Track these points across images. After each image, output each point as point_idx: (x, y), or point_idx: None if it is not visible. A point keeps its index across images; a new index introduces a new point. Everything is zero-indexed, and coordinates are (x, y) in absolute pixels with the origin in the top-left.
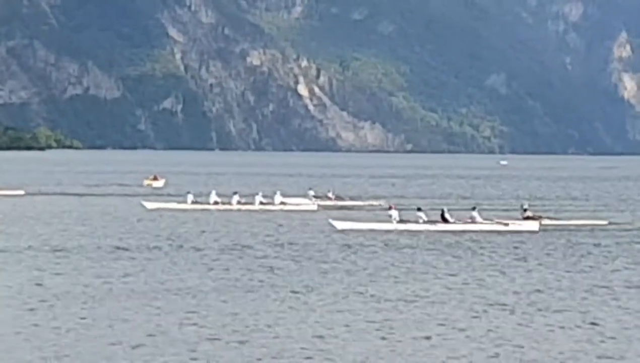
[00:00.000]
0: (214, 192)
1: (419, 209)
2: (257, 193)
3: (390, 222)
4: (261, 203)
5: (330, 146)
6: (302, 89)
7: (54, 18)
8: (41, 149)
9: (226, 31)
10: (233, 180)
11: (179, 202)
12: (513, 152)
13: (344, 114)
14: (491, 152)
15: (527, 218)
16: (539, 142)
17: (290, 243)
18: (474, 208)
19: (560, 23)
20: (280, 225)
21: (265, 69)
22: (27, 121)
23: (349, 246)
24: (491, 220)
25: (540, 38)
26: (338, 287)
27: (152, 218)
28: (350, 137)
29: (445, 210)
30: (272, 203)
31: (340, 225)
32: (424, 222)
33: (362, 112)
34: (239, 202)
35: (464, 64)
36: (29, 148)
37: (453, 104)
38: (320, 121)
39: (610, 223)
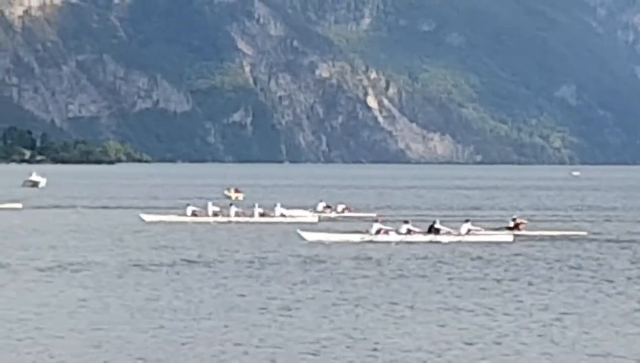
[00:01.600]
0: (210, 204)
1: (405, 222)
2: (253, 205)
3: (362, 234)
4: (260, 214)
5: (400, 158)
6: (371, 101)
7: (124, 32)
8: (111, 162)
9: (295, 43)
10: (305, 192)
11: (178, 215)
12: (583, 162)
13: (414, 125)
14: (561, 163)
15: (515, 226)
16: (609, 153)
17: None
18: (467, 221)
19: (630, 33)
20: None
21: (334, 81)
22: (97, 135)
23: (312, 258)
24: (479, 230)
25: (609, 48)
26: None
27: (235, 231)
28: (420, 149)
29: (437, 221)
30: (272, 215)
31: (310, 236)
32: (400, 234)
33: (431, 123)
34: (237, 214)
35: (533, 75)
36: (98, 162)
37: (523, 115)
38: (390, 133)
39: None
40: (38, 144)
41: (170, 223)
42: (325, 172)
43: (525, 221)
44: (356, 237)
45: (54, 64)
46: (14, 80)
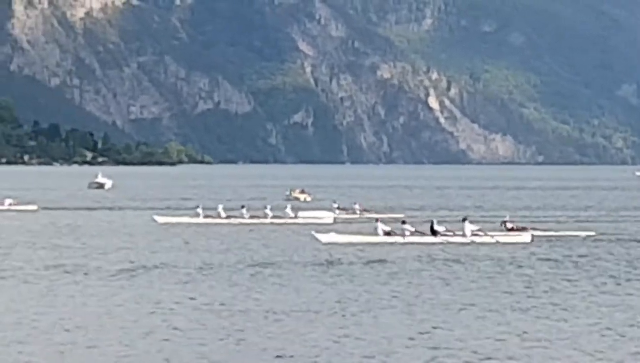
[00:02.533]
0: (220, 206)
1: (403, 222)
2: (265, 206)
3: (376, 234)
4: (274, 216)
5: (461, 158)
6: (433, 102)
7: (185, 33)
8: (172, 164)
9: (356, 44)
10: (369, 193)
11: (191, 216)
12: None
13: (475, 126)
14: (623, 163)
15: (511, 229)
16: None
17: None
18: (464, 220)
19: None
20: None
21: (395, 81)
22: (159, 136)
23: (330, 261)
24: (482, 232)
25: None
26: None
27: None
28: (481, 149)
29: (435, 222)
30: (284, 216)
31: (324, 238)
32: (411, 235)
33: (492, 124)
34: (251, 216)
35: (595, 74)
36: (160, 163)
37: (585, 115)
38: (451, 133)
39: None
40: (100, 145)
41: (188, 224)
42: (386, 173)
43: (514, 224)
44: (374, 239)
45: (116, 65)
46: (76, 81)
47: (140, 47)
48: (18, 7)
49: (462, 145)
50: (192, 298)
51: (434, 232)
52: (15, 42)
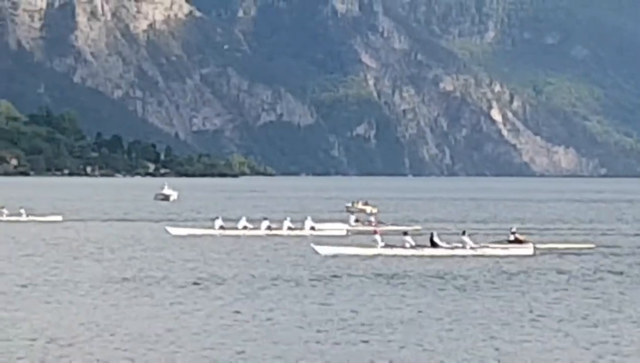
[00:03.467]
0: (243, 218)
1: (405, 234)
2: (285, 219)
3: (375, 247)
4: (289, 228)
5: (524, 171)
6: (496, 114)
7: (247, 45)
8: (234, 175)
9: (419, 57)
10: (431, 206)
11: (206, 228)
12: None
13: (538, 138)
14: None
15: (515, 241)
16: None
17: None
18: (464, 233)
19: None
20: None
21: (458, 94)
22: (221, 148)
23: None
24: (479, 244)
25: None
26: None
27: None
28: (544, 162)
29: (435, 234)
30: (302, 229)
31: (323, 250)
32: (411, 247)
33: (555, 136)
34: (268, 228)
35: None
36: (222, 175)
37: None
38: (514, 146)
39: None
40: (162, 157)
41: (202, 236)
42: (448, 185)
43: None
44: (373, 251)
45: (178, 77)
46: (138, 93)
47: (202, 59)
48: (81, 19)
49: (525, 158)
50: (270, 310)
51: (433, 244)
52: (78, 54)
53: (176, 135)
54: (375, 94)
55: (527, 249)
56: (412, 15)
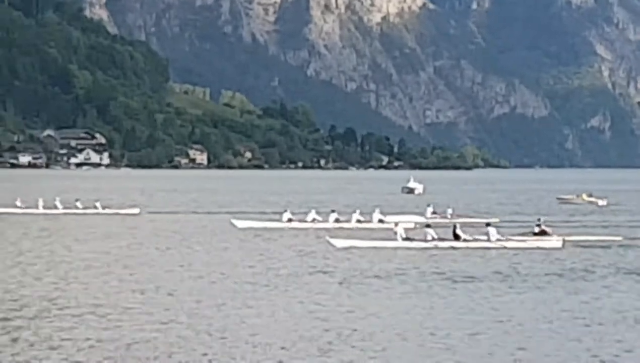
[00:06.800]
0: (313, 211)
1: (427, 226)
2: (332, 211)
3: (395, 239)
4: (358, 221)
5: None
6: None
7: (481, 37)
8: (468, 168)
9: None
10: None
11: (272, 221)
12: None
13: None
14: None
15: (541, 233)
16: None
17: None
18: (488, 224)
19: None
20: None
21: None
22: (454, 140)
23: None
24: (505, 237)
25: None
26: None
27: None
28: None
29: (458, 226)
30: (369, 221)
31: (339, 243)
32: (432, 240)
33: None
34: (336, 220)
35: None
36: (455, 167)
37: None
38: None
39: None
40: (395, 149)
41: (267, 229)
42: None
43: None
44: (392, 244)
45: (412, 70)
46: (372, 86)
47: (436, 51)
48: (315, 12)
49: None
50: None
51: (456, 237)
52: (312, 47)
53: (409, 127)
54: (609, 86)
55: (555, 242)
56: None
